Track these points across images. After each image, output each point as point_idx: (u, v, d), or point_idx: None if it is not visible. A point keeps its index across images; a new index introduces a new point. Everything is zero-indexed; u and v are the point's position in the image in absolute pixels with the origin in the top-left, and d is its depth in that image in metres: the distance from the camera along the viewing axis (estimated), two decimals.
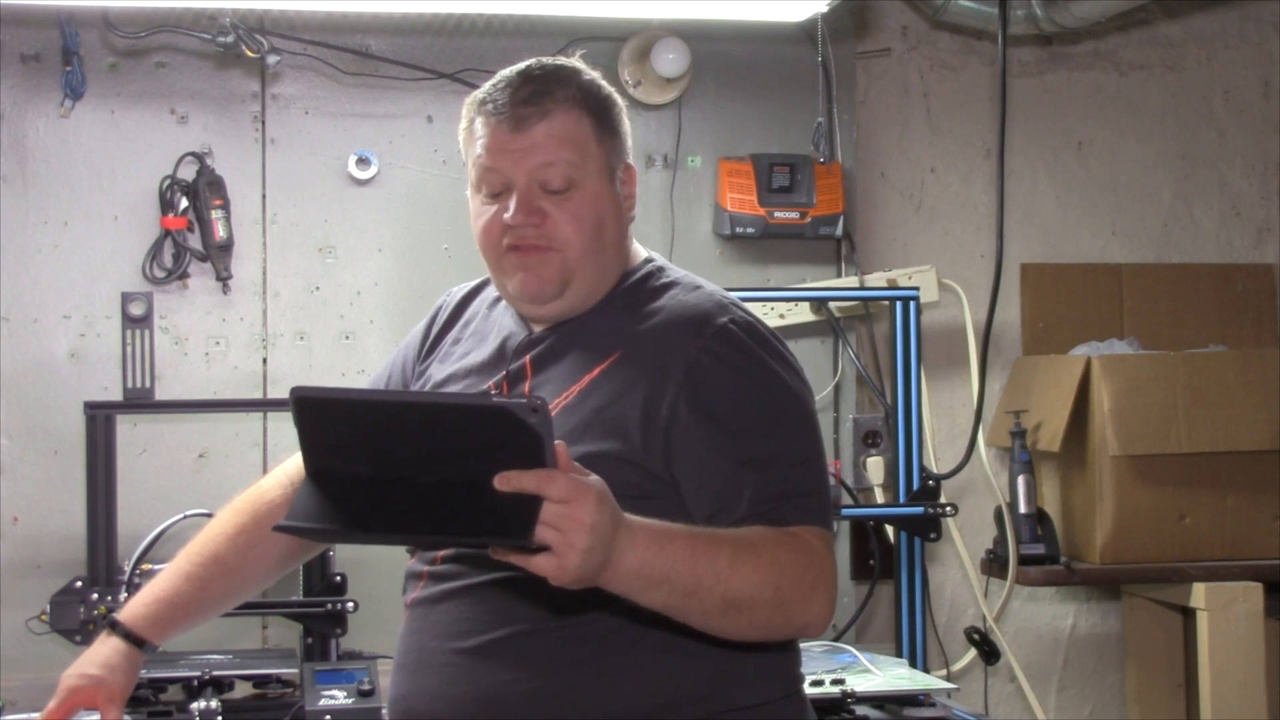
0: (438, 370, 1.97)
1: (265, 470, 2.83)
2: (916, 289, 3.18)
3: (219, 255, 3.12)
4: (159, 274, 3.12)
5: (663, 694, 1.75)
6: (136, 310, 3.05)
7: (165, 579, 2.02)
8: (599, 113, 1.84)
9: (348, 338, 3.23)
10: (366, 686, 2.55)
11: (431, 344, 2.02)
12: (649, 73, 3.27)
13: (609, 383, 1.78)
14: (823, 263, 3.43)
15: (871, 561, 3.35)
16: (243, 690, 2.74)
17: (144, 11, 3.04)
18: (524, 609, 1.75)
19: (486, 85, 1.85)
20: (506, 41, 3.23)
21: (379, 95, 3.23)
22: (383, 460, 1.50)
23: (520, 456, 1.44)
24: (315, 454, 1.54)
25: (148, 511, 2.91)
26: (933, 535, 3.11)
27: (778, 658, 1.83)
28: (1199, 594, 3.20)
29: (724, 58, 3.37)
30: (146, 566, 2.75)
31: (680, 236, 3.34)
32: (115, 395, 3.05)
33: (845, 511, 3.19)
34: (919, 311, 3.15)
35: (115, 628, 1.98)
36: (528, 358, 1.86)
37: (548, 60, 1.86)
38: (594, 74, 1.88)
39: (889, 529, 3.25)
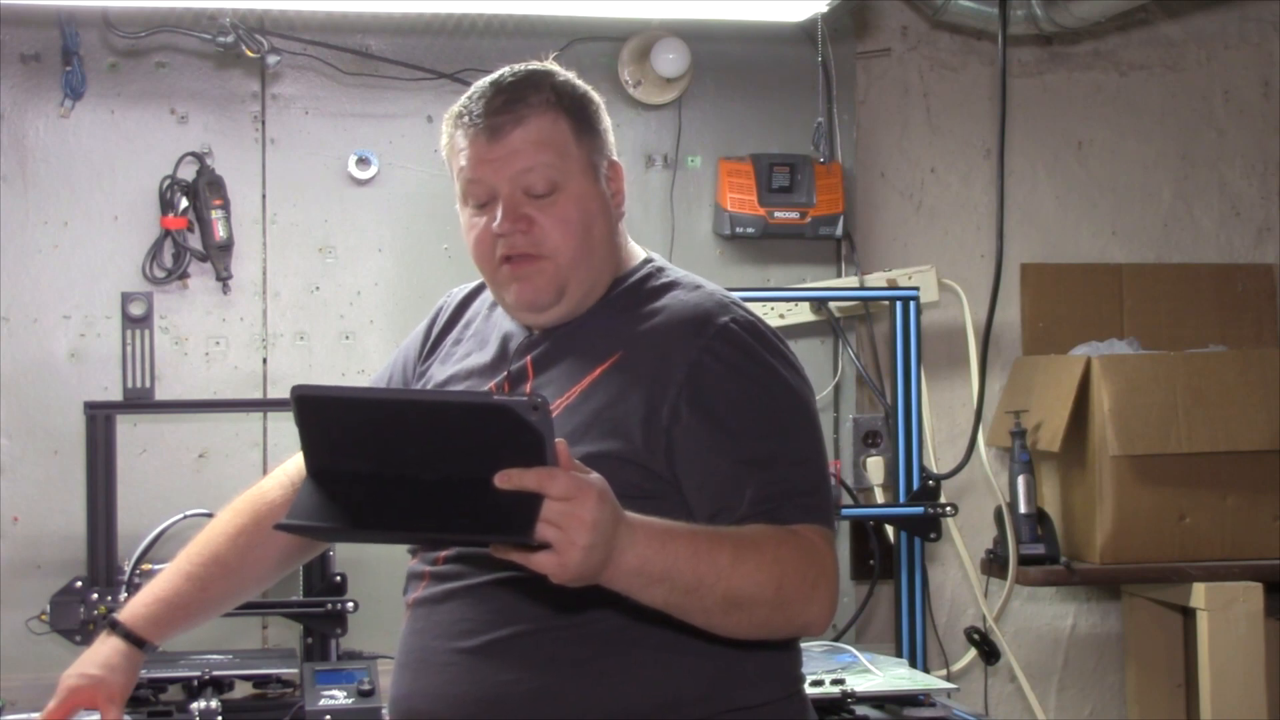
0: (439, 371, 1.97)
1: (265, 470, 2.84)
2: (916, 289, 3.18)
3: (219, 255, 3.12)
4: (159, 274, 3.12)
5: (664, 693, 1.75)
6: (136, 310, 3.05)
7: (165, 579, 2.02)
8: (575, 112, 1.84)
9: (348, 338, 3.23)
10: (366, 686, 2.54)
11: (432, 345, 2.03)
12: (649, 73, 3.27)
13: (610, 383, 1.78)
14: (823, 263, 3.43)
15: (871, 561, 3.35)
16: (243, 690, 2.74)
17: (144, 11, 3.04)
18: (526, 609, 1.76)
19: (461, 99, 1.86)
20: (506, 41, 3.23)
21: (379, 95, 3.23)
22: (384, 459, 1.50)
23: (521, 454, 1.44)
24: (316, 452, 1.54)
25: (148, 511, 2.91)
26: (933, 535, 3.11)
27: (779, 657, 1.83)
28: (1199, 594, 3.20)
29: (724, 58, 3.37)
30: (146, 566, 2.75)
31: (680, 236, 3.34)
32: (115, 395, 3.05)
33: (845, 511, 3.19)
34: (919, 311, 3.15)
35: (115, 628, 1.98)
36: (529, 359, 1.86)
37: (519, 66, 1.87)
38: (568, 74, 1.88)
39: (889, 529, 3.25)
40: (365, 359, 3.21)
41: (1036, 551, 3.31)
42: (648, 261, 1.92)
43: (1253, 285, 3.76)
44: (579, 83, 1.88)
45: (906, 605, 3.12)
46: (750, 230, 3.31)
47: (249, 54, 3.05)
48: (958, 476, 3.29)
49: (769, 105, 3.40)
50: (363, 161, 3.22)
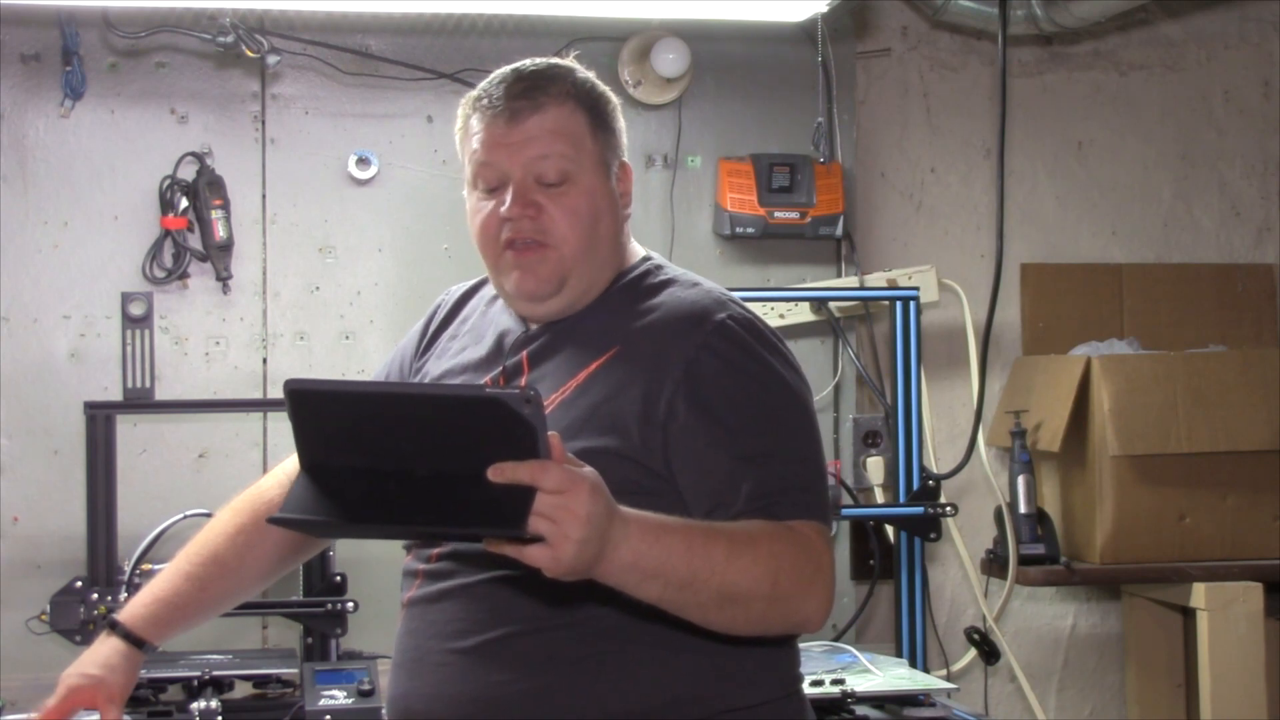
0: (434, 366, 1.97)
1: (265, 470, 2.83)
2: (916, 289, 3.18)
3: (219, 255, 3.12)
4: (159, 274, 3.12)
5: (662, 693, 1.75)
6: (136, 310, 3.05)
7: (165, 579, 2.02)
8: (593, 108, 1.85)
9: (348, 338, 3.23)
10: (366, 686, 2.55)
11: (429, 341, 2.03)
12: (649, 73, 3.27)
13: (606, 378, 1.78)
14: (823, 263, 3.43)
15: (871, 561, 3.35)
16: (243, 690, 2.74)
17: (144, 11, 3.04)
18: (520, 608, 1.75)
19: (481, 83, 1.87)
20: (506, 41, 3.23)
21: (379, 95, 3.24)
22: (377, 452, 1.50)
23: (514, 447, 1.44)
24: (309, 447, 1.54)
25: (148, 511, 2.91)
26: (933, 535, 3.11)
27: (777, 656, 1.83)
28: (1199, 594, 3.20)
29: (724, 58, 3.37)
30: (146, 566, 2.75)
31: (680, 236, 3.34)
32: (115, 395, 3.05)
33: (845, 511, 3.19)
34: (919, 311, 3.15)
35: (115, 628, 1.98)
36: (525, 353, 1.86)
37: (541, 59, 1.88)
38: (588, 73, 1.89)
39: (889, 529, 3.25)
40: (365, 359, 3.21)
41: (1036, 551, 3.31)
42: (646, 260, 1.92)
43: (1253, 285, 3.76)
44: (598, 82, 1.89)
45: (906, 605, 3.12)
46: (750, 230, 3.31)
47: (249, 54, 3.05)
48: (958, 476, 3.29)
49: (769, 105, 3.40)
50: (363, 161, 3.22)
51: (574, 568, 1.48)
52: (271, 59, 3.08)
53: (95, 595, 2.77)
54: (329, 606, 2.80)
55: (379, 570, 2.76)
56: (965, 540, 3.37)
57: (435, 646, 1.81)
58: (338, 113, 3.22)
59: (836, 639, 3.16)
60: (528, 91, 1.81)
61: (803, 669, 1.91)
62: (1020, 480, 3.34)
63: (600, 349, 1.80)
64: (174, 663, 2.67)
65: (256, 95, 3.19)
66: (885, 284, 3.27)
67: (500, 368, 1.87)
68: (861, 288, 3.30)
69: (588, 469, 1.49)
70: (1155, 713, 3.51)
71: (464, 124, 1.87)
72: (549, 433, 1.46)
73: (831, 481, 3.09)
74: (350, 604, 2.81)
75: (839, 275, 3.42)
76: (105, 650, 1.97)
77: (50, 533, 3.06)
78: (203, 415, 3.14)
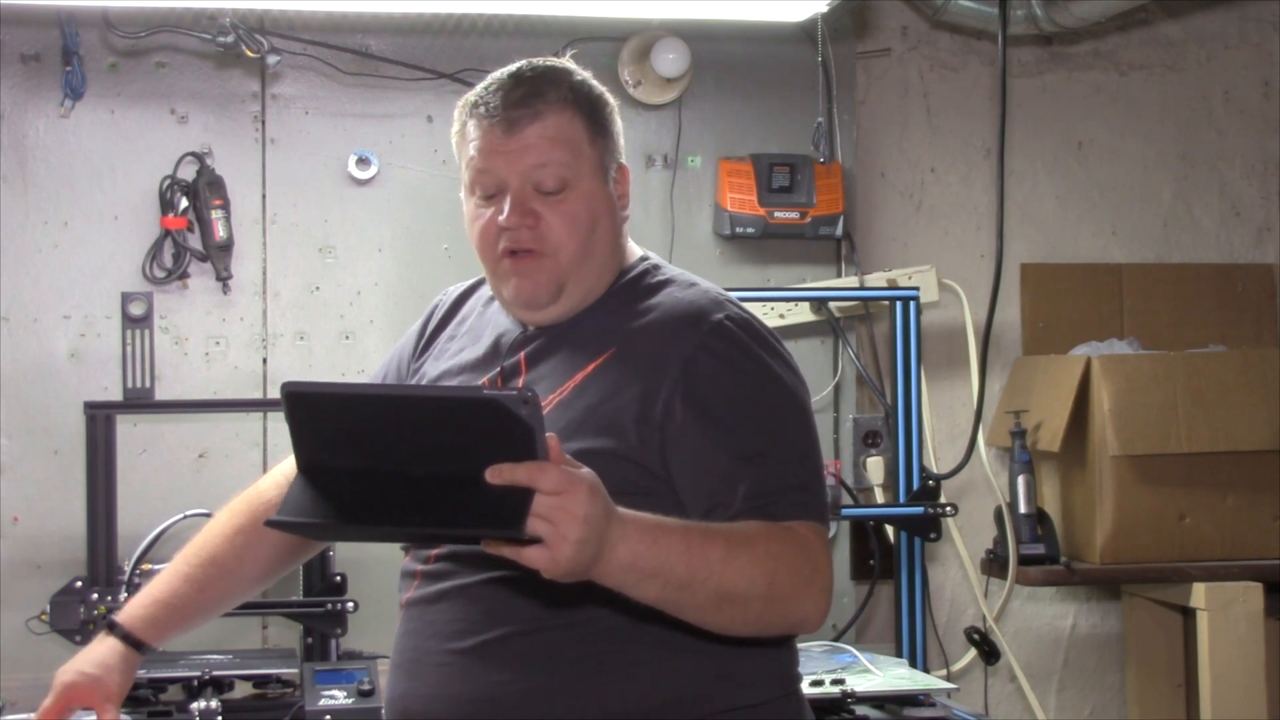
0: (432, 367, 1.97)
1: (265, 470, 2.83)
2: (916, 289, 3.18)
3: (219, 255, 3.13)
4: (159, 274, 3.12)
5: (661, 693, 1.75)
6: (136, 310, 3.05)
7: (163, 581, 2.02)
8: (591, 113, 1.84)
9: (348, 338, 3.23)
10: (366, 686, 2.55)
11: (426, 342, 2.02)
12: (649, 73, 3.27)
13: (603, 379, 1.77)
14: (823, 263, 3.43)
15: (871, 561, 3.35)
16: (243, 690, 2.74)
17: (144, 11, 3.04)
18: (518, 608, 1.75)
19: (478, 88, 1.85)
20: (506, 41, 3.23)
21: (379, 95, 3.24)
22: (374, 454, 1.49)
23: (511, 449, 1.44)
24: (307, 449, 1.54)
25: (148, 511, 2.91)
26: (933, 535, 3.11)
27: (776, 656, 1.83)
28: (1199, 594, 3.19)
29: (724, 58, 3.37)
30: (146, 566, 2.75)
31: (680, 236, 3.34)
32: (115, 395, 3.06)
33: (845, 511, 3.19)
34: (919, 311, 3.15)
35: (114, 629, 1.98)
36: (522, 354, 1.86)
37: (539, 61, 1.86)
38: (585, 74, 1.88)
39: (889, 529, 3.25)
40: (365, 359, 3.21)
41: (1036, 551, 3.31)
42: (644, 260, 1.92)
43: (1253, 285, 3.76)
44: (596, 84, 1.88)
45: (906, 605, 3.12)
46: (750, 230, 3.31)
47: (249, 54, 3.06)
48: (958, 476, 3.29)
49: (769, 105, 3.40)
50: (363, 161, 3.22)
51: (572, 569, 1.48)
52: (271, 59, 3.08)
53: (95, 595, 2.77)
54: (329, 606, 2.81)
55: (379, 570, 2.76)
56: (965, 540, 3.37)
57: (434, 647, 1.81)
58: (338, 113, 3.22)
59: (836, 639, 3.16)
60: (525, 99, 1.80)
61: (803, 669, 1.91)
62: (1020, 480, 3.34)
63: (598, 350, 1.80)
64: (174, 663, 2.67)
65: (256, 95, 3.19)
66: (885, 284, 3.27)
67: (498, 368, 1.87)
68: (861, 288, 3.30)
69: (586, 470, 1.49)
70: (1155, 713, 3.51)
71: (461, 129, 1.86)
72: (547, 434, 1.46)
73: (831, 481, 3.09)
74: (350, 604, 2.81)
75: (839, 275, 3.42)
76: (103, 650, 1.97)
77: (50, 533, 3.06)
78: (203, 415, 3.14)
